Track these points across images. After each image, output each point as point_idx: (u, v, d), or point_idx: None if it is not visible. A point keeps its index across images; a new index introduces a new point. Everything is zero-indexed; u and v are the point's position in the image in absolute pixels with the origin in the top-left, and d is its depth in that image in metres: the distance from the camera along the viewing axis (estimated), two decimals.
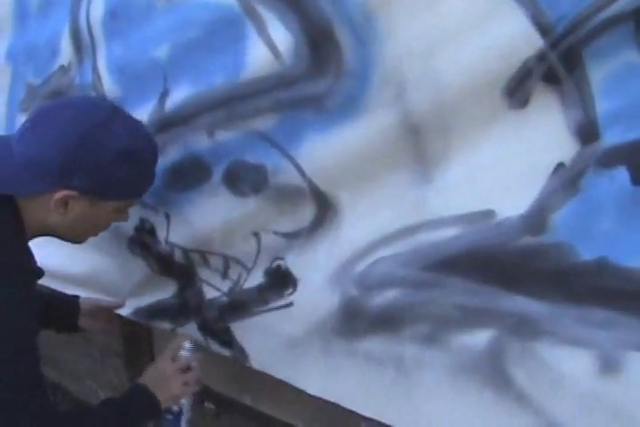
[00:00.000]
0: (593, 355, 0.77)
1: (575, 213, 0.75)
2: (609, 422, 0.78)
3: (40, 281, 1.01)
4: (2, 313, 0.89)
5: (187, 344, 1.21)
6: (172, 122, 1.12)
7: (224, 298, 1.20)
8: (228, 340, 1.22)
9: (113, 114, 0.97)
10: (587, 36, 0.69)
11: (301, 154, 0.97)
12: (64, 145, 0.91)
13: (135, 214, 1.24)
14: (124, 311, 1.40)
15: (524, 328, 0.83)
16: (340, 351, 1.05)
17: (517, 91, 0.76)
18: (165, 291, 1.32)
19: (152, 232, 1.27)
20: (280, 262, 1.08)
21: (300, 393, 1.12)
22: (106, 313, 1.36)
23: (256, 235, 1.09)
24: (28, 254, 1.00)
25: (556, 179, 0.75)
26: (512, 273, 0.82)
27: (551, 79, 0.73)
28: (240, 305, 1.17)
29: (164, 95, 1.11)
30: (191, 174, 1.13)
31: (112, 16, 1.18)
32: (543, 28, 0.71)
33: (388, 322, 0.96)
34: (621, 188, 0.70)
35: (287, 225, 1.05)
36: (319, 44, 0.89)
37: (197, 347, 1.23)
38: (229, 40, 0.98)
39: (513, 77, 0.75)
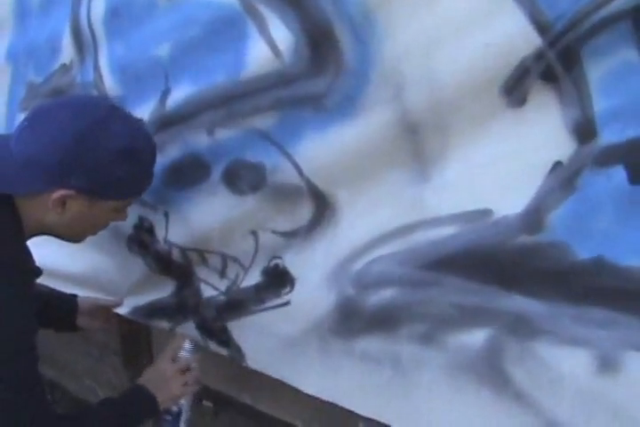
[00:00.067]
0: (591, 354, 0.77)
1: (572, 211, 0.75)
2: (608, 422, 0.77)
3: (39, 280, 1.01)
4: (1, 313, 0.89)
5: (187, 345, 1.20)
6: (173, 120, 1.12)
7: (222, 297, 1.20)
8: (225, 339, 1.22)
9: (111, 112, 0.97)
10: (585, 34, 0.69)
11: (300, 152, 0.97)
12: (62, 144, 0.91)
13: (134, 213, 1.24)
14: (123, 310, 1.40)
15: (522, 327, 0.83)
16: (338, 351, 1.05)
17: (515, 89, 0.76)
18: (163, 290, 1.32)
19: (151, 231, 1.27)
20: (278, 261, 1.08)
21: (298, 392, 1.12)
22: (104, 312, 1.36)
23: (254, 234, 1.09)
24: (27, 254, 0.99)
25: (554, 177, 0.75)
26: (510, 272, 0.82)
27: (549, 77, 0.73)
28: (237, 304, 1.17)
29: (165, 94, 1.11)
30: (191, 173, 1.13)
31: (113, 14, 1.18)
32: (541, 27, 0.71)
33: (385, 321, 0.96)
34: (619, 186, 0.70)
35: (285, 224, 1.05)
36: (319, 43, 0.89)
37: (197, 348, 1.23)
38: (230, 39, 0.99)
39: (511, 76, 0.75)
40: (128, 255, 1.33)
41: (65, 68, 1.34)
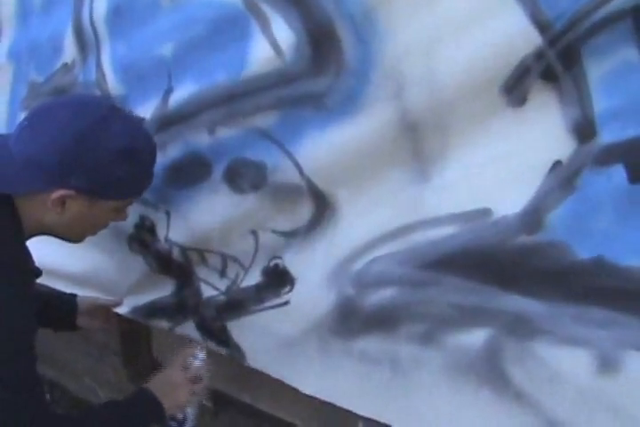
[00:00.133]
0: (591, 354, 0.77)
1: (572, 211, 0.75)
2: (608, 421, 0.78)
3: (38, 280, 1.01)
4: (1, 313, 0.88)
5: (199, 354, 1.18)
6: (175, 119, 1.12)
7: (221, 297, 1.20)
8: (224, 339, 1.22)
9: (112, 112, 0.96)
10: (585, 33, 0.69)
11: (300, 151, 0.97)
12: (62, 144, 0.91)
13: (136, 212, 1.24)
14: (122, 310, 1.40)
15: (522, 327, 0.83)
16: (337, 351, 1.04)
17: (515, 88, 0.76)
18: (163, 289, 1.32)
19: (152, 230, 1.27)
20: (278, 261, 1.08)
21: (298, 392, 1.12)
22: (104, 312, 1.36)
23: (254, 233, 1.09)
24: (26, 254, 0.99)
25: (553, 177, 0.75)
26: (509, 272, 0.82)
27: (549, 77, 0.73)
28: (237, 304, 1.17)
29: (167, 93, 1.12)
30: (192, 171, 1.13)
31: (116, 14, 1.18)
32: (541, 26, 0.71)
33: (384, 321, 0.96)
34: (618, 186, 0.70)
35: (285, 223, 1.05)
36: (320, 42, 0.90)
37: (210, 356, 1.21)
38: (233, 38, 0.99)
39: (511, 75, 0.75)
40: (128, 255, 1.33)
41: (67, 68, 1.34)
